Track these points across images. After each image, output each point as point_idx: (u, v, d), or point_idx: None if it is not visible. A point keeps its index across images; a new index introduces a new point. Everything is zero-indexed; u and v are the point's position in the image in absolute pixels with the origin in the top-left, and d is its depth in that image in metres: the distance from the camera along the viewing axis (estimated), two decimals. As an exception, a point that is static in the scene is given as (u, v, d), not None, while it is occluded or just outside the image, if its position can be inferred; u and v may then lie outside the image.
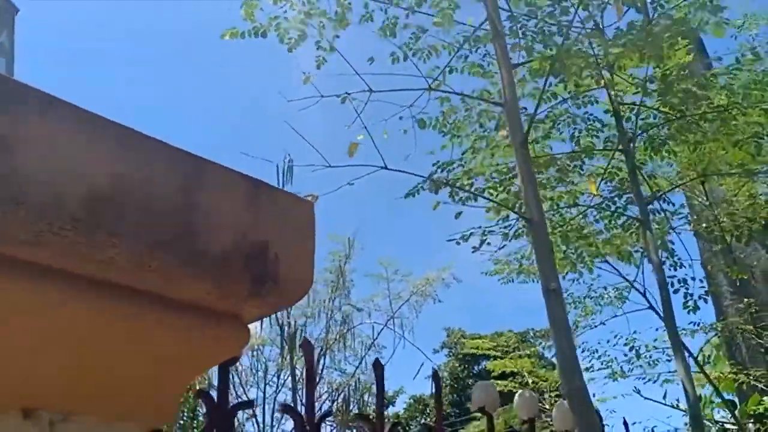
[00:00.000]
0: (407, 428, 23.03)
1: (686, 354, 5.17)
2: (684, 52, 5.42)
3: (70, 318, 0.80)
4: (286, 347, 14.41)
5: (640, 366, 6.28)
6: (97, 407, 0.87)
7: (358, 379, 15.94)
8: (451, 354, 22.77)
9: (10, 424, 0.80)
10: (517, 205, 5.40)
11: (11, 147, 0.72)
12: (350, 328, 16.11)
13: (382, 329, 17.62)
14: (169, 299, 0.88)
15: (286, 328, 14.36)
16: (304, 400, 1.65)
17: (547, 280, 2.80)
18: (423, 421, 23.75)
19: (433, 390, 2.02)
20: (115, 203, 0.79)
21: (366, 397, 16.14)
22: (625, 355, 6.35)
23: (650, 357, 6.22)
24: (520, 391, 2.67)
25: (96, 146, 0.81)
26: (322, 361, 16.84)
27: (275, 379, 14.92)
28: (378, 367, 1.77)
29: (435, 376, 2.08)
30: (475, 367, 20.81)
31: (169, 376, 0.92)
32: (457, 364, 22.16)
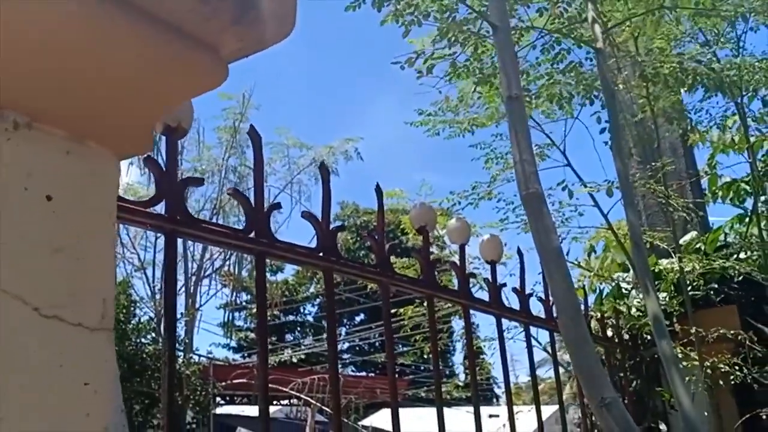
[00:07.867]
0: (296, 293, 23.63)
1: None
2: None
3: (52, 18, 0.71)
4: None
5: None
6: (66, 121, 0.80)
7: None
8: (343, 226, 23.22)
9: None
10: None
11: None
12: (245, 190, 15.98)
13: (279, 193, 17.54)
14: (147, 13, 0.80)
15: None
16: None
17: (509, 87, 2.79)
18: (311, 288, 24.40)
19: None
20: None
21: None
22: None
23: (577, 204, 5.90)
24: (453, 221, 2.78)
25: None
26: (214, 221, 16.67)
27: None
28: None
29: (377, 190, 2.09)
30: (367, 242, 21.38)
31: (140, 100, 0.86)
32: (349, 237, 22.67)
